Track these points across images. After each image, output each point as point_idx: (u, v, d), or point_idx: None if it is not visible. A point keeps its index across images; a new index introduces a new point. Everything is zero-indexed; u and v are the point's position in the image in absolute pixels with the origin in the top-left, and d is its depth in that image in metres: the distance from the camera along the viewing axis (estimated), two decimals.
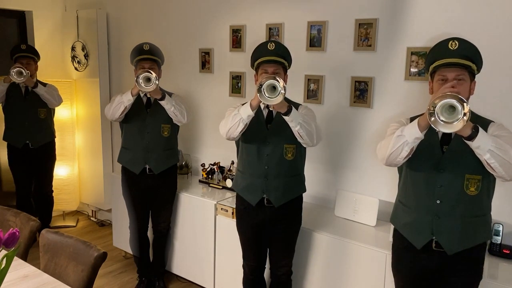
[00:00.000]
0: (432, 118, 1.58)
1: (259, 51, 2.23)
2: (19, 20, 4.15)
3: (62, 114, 4.05)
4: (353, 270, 2.35)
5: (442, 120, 1.58)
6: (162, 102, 2.70)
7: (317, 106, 2.80)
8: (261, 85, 1.97)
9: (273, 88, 1.98)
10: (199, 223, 3.01)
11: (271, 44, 2.20)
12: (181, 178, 3.35)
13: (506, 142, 1.65)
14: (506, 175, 1.65)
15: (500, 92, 2.21)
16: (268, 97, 1.97)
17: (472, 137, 1.60)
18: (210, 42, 3.35)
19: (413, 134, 1.73)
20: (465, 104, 1.53)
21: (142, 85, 2.54)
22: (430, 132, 1.76)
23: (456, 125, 1.56)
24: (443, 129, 1.59)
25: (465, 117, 1.54)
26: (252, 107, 2.10)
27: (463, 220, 1.79)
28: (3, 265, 1.31)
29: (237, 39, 3.16)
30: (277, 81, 1.96)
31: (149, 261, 3.15)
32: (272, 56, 2.18)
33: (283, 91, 1.95)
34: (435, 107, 1.58)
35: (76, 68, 4.18)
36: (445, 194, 1.78)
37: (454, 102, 1.55)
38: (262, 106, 2.23)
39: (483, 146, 1.61)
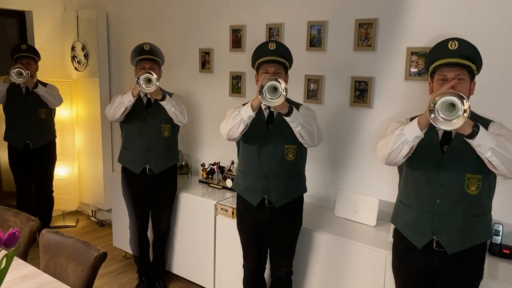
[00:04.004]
0: (432, 115, 1.58)
1: (260, 51, 2.23)
2: (19, 20, 4.15)
3: (62, 114, 4.05)
4: (353, 270, 2.35)
5: (442, 118, 1.58)
6: (162, 103, 2.70)
7: (317, 106, 2.80)
8: (262, 87, 1.97)
9: (275, 89, 1.98)
10: (199, 223, 3.01)
11: (272, 44, 2.20)
12: (181, 178, 3.34)
13: (507, 140, 1.66)
14: (507, 173, 1.65)
15: (500, 92, 2.21)
16: (269, 98, 1.98)
17: (473, 135, 1.60)
18: (210, 42, 3.35)
19: (413, 133, 1.74)
20: (465, 101, 1.53)
21: (143, 86, 2.55)
22: (430, 132, 1.76)
23: (456, 123, 1.56)
24: (443, 126, 1.59)
25: (465, 114, 1.54)
26: (253, 107, 2.10)
27: (463, 220, 1.79)
28: (3, 265, 1.31)
29: (237, 39, 3.16)
30: (279, 82, 1.96)
31: (149, 261, 3.15)
32: (273, 56, 2.18)
33: (284, 93, 1.95)
34: (436, 104, 1.58)
35: (76, 68, 4.18)
36: (445, 193, 1.78)
37: (454, 99, 1.55)
38: (263, 106, 2.23)
39: (484, 144, 1.61)
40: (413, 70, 2.44)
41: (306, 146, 2.24)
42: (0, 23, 4.05)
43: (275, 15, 2.95)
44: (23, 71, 3.24)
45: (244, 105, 2.19)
